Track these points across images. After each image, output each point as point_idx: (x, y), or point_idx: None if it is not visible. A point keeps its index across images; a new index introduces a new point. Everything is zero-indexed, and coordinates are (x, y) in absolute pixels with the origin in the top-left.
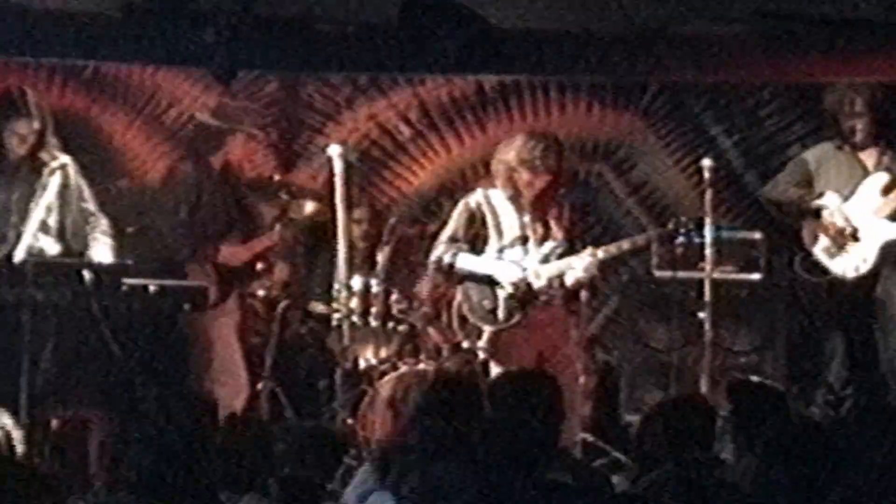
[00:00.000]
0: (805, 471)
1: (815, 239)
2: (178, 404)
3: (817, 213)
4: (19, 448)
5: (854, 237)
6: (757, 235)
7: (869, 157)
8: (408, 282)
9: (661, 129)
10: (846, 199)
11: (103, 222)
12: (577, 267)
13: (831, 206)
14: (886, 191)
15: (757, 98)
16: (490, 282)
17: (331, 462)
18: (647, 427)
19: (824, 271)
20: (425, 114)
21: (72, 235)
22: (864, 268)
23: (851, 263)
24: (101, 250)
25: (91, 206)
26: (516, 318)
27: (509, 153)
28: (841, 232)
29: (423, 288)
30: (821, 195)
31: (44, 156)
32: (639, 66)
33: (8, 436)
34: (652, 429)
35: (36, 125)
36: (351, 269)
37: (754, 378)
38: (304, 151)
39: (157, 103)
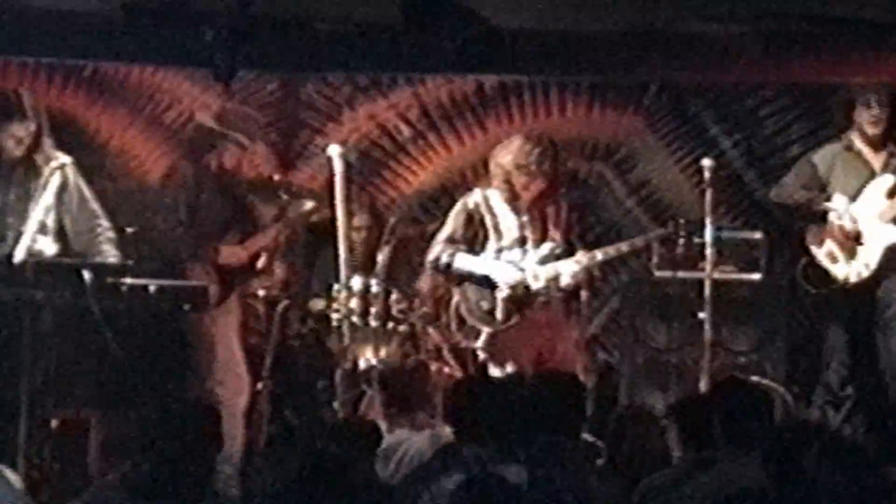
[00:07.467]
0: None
1: (821, 243)
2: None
3: (824, 216)
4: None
5: (858, 241)
6: (757, 235)
7: (877, 158)
8: (408, 282)
9: (661, 129)
10: (852, 200)
11: (105, 224)
12: (565, 272)
13: (839, 208)
14: (892, 194)
15: (757, 98)
16: (488, 283)
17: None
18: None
19: (828, 278)
20: (425, 114)
21: (73, 235)
22: (867, 273)
23: (854, 269)
24: (106, 258)
25: (94, 206)
26: (514, 318)
27: (506, 157)
28: (847, 235)
29: (424, 284)
30: (829, 198)
31: (39, 157)
32: (639, 66)
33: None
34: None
35: (32, 127)
36: (351, 269)
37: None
38: (304, 151)
39: (157, 103)
